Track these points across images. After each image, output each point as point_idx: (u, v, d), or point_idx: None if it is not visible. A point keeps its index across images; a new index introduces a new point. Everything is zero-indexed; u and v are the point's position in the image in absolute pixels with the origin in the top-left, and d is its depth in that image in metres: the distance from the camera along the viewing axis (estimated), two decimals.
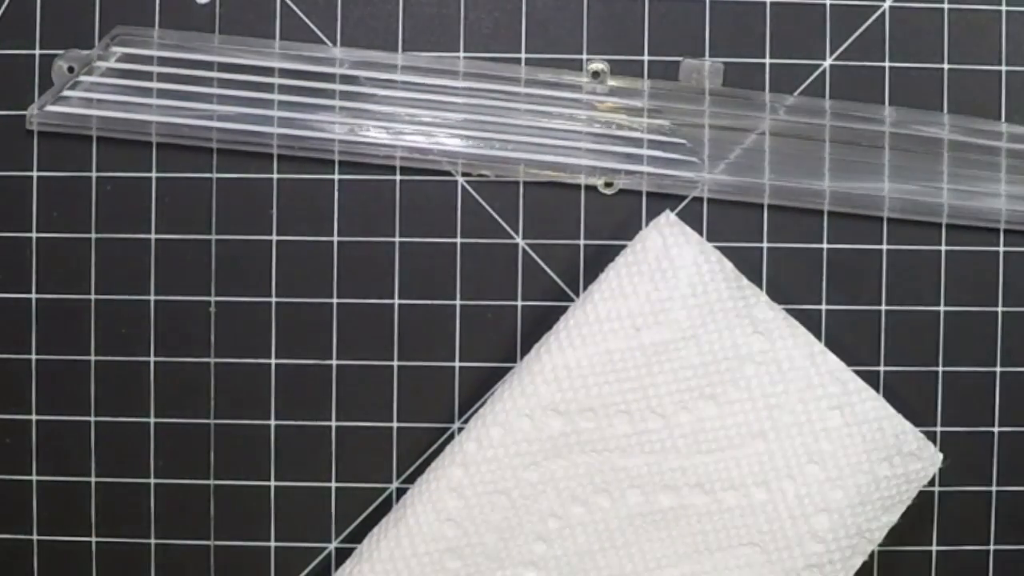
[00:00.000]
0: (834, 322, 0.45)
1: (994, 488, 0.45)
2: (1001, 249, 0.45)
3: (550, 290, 0.45)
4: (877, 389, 0.44)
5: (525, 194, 0.46)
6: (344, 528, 0.46)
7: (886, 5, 0.45)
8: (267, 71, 0.45)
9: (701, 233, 0.45)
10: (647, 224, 0.44)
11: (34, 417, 0.46)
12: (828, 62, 0.45)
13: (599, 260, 0.44)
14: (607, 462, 0.43)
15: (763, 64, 0.45)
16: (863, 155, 0.45)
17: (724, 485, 0.43)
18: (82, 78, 0.45)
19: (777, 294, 0.44)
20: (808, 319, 0.45)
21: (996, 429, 0.45)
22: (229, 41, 0.45)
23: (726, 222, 0.45)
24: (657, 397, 0.43)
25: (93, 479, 0.45)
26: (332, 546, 0.46)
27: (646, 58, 0.45)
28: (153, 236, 0.46)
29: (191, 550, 0.46)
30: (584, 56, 0.45)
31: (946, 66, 0.45)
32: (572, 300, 0.45)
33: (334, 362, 0.45)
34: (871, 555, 0.43)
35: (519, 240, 0.46)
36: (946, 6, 0.45)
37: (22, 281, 0.45)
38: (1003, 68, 0.45)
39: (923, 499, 0.44)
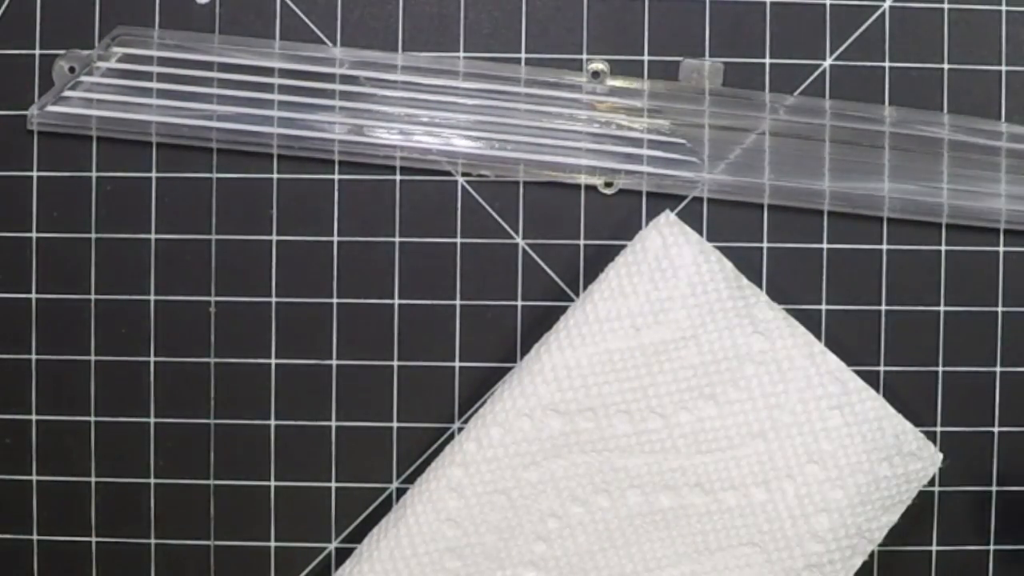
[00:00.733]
0: (834, 322, 0.45)
1: (994, 488, 0.45)
2: (1001, 249, 0.45)
3: (550, 290, 0.45)
4: (877, 389, 0.44)
5: (525, 194, 0.46)
6: (344, 528, 0.46)
7: (886, 5, 0.45)
8: (267, 71, 0.45)
9: (701, 233, 0.45)
10: (647, 224, 0.44)
11: (34, 417, 0.45)
12: (828, 62, 0.45)
13: (599, 260, 0.44)
14: (607, 462, 0.43)
15: (763, 64, 0.45)
16: (863, 155, 0.45)
17: (724, 485, 0.43)
18: (82, 78, 0.45)
19: (777, 294, 0.44)
20: (808, 319, 0.45)
21: (996, 429, 0.45)
22: (229, 41, 0.45)
23: (726, 222, 0.45)
24: (657, 397, 0.43)
25: (93, 479, 0.45)
26: (332, 546, 0.46)
27: (646, 58, 0.45)
28: (153, 236, 0.46)
29: (191, 550, 0.46)
30: (584, 56, 0.45)
31: (946, 66, 0.45)
32: (572, 300, 0.45)
33: (334, 362, 0.45)
34: (871, 555, 0.43)
35: (519, 240, 0.46)
36: (946, 6, 0.45)
37: (22, 281, 0.45)
38: (1003, 68, 0.45)
39: (923, 499, 0.44)
